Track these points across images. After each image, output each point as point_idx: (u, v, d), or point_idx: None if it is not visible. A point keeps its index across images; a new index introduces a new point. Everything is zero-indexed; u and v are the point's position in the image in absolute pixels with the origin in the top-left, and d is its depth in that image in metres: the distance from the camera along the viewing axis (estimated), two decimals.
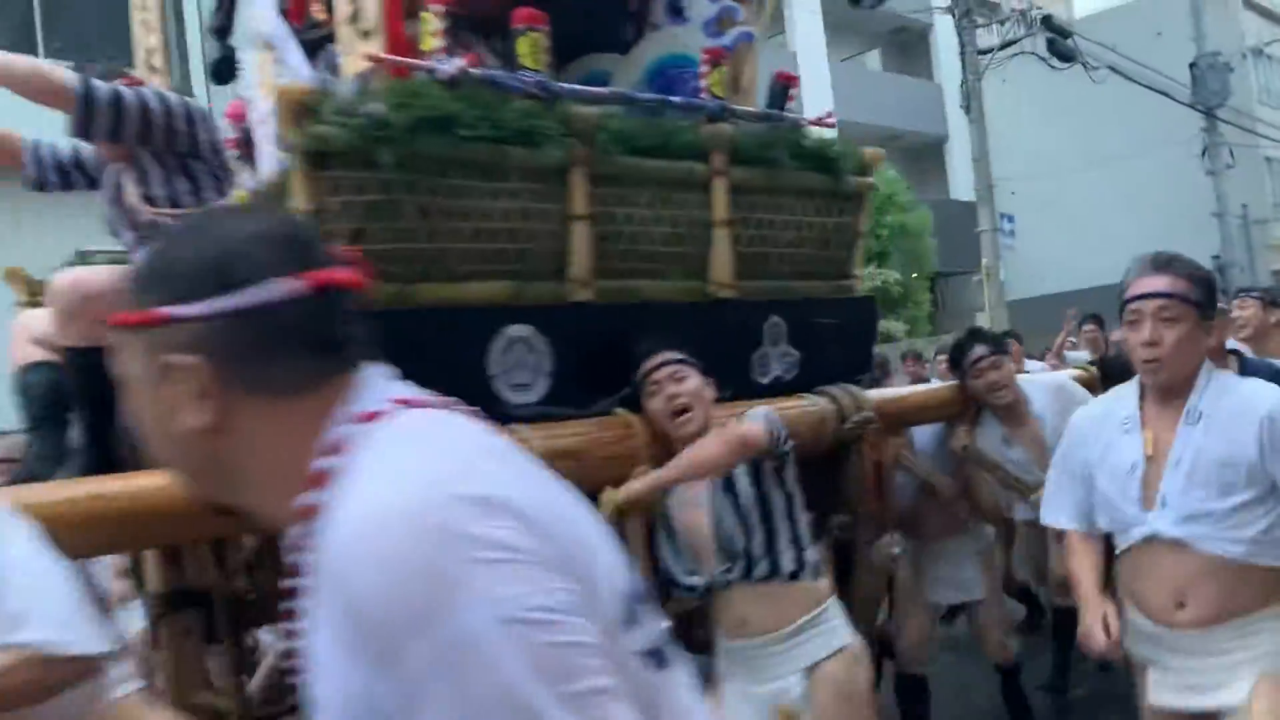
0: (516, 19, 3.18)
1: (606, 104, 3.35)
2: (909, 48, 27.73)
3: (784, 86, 3.91)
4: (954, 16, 19.28)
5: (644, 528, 3.17)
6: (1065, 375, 4.80)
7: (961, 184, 24.65)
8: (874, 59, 26.61)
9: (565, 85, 3.24)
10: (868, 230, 4.06)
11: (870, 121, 24.67)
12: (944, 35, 23.48)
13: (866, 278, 18.70)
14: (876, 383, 4.57)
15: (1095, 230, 25.29)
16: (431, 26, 3.03)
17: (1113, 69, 19.80)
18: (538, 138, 3.05)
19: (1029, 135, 25.72)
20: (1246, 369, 3.96)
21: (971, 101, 18.79)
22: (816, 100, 23.64)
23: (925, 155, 27.46)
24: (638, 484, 3.00)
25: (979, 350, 4.38)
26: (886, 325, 19.56)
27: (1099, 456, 2.84)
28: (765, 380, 3.72)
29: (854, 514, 3.79)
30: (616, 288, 3.32)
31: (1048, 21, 20.72)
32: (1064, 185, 25.40)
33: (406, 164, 2.80)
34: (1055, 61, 20.38)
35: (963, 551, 4.63)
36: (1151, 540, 2.68)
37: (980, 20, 20.08)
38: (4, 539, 2.13)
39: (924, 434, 4.57)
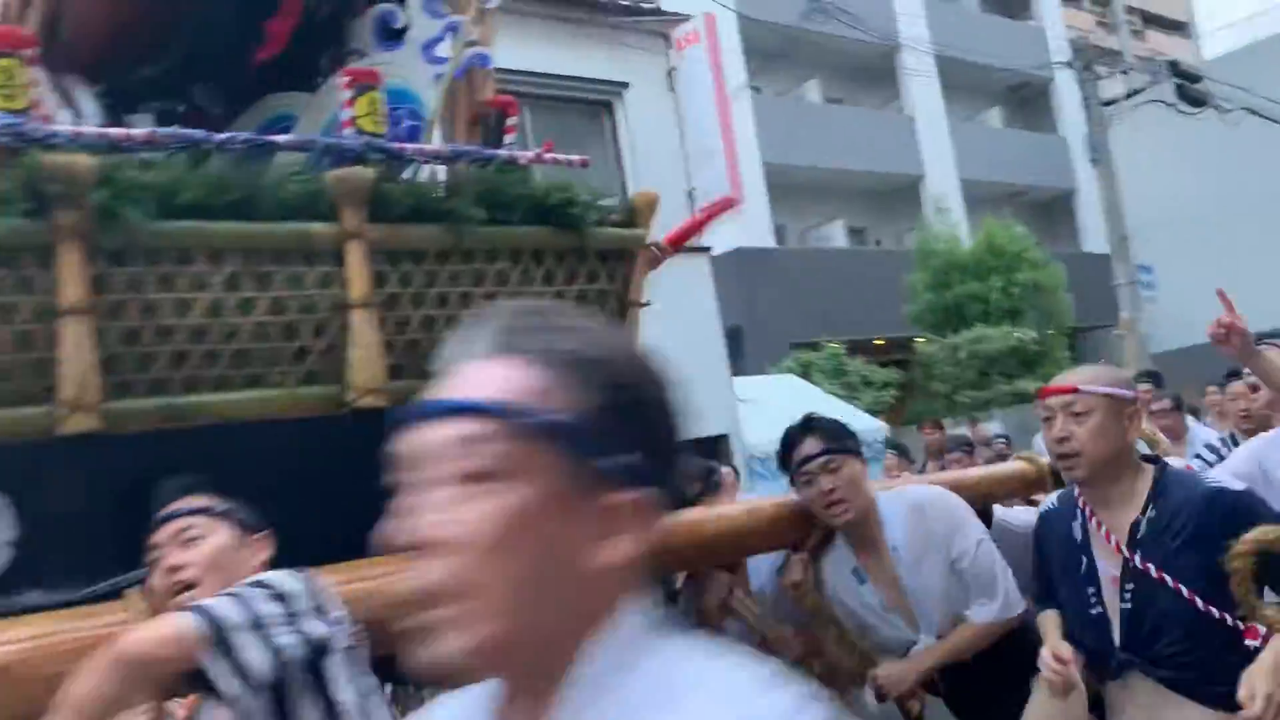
0: None
1: (161, 150, 2.25)
2: (1029, 102, 25.78)
3: (500, 115, 2.73)
4: (1075, 70, 17.73)
5: None
6: (934, 490, 2.99)
7: (1092, 236, 22.54)
8: (994, 116, 24.80)
9: (62, 129, 2.14)
10: (643, 297, 2.80)
11: (993, 178, 23.07)
12: (1066, 86, 21.66)
13: (1003, 336, 17.00)
14: (698, 499, 3.16)
15: (1243, 275, 22.69)
16: None
17: (1249, 110, 17.86)
18: None
19: (1163, 182, 23.37)
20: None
21: (1099, 154, 17.15)
22: (939, 163, 22.12)
23: (1053, 209, 25.40)
24: None
25: (809, 447, 2.83)
26: (1024, 385, 17.68)
27: None
28: None
29: None
30: (160, 408, 2.17)
31: (1175, 67, 18.88)
32: (1204, 231, 22.92)
33: None
34: (1184, 106, 18.53)
35: None
36: None
37: (1102, 71, 18.46)
38: None
39: (762, 567, 3.15)
